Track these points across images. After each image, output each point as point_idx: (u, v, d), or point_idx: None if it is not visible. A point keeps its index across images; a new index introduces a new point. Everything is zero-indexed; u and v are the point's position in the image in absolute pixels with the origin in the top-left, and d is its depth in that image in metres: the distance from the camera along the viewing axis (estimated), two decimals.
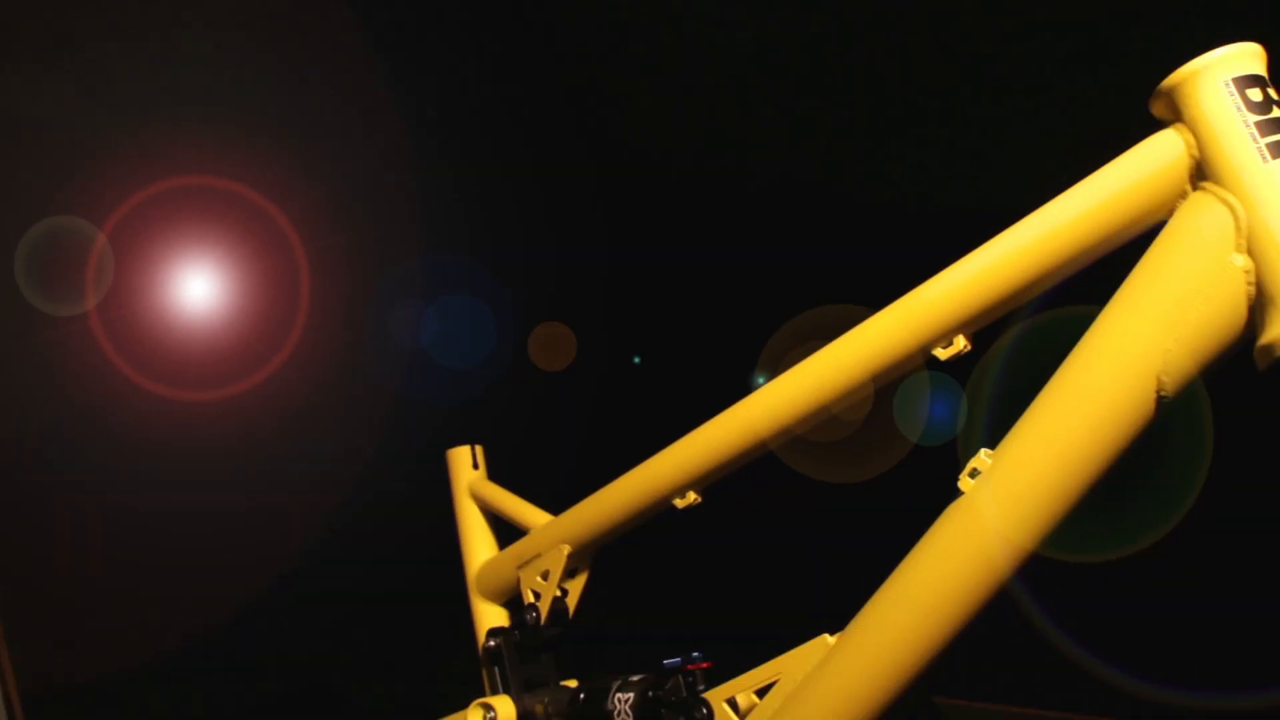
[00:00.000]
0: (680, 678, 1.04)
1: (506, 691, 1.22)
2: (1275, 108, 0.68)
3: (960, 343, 0.83)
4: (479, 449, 1.38)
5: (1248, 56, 0.70)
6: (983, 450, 0.80)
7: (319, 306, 4.14)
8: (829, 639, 0.90)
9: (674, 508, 1.06)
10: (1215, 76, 0.69)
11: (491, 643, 1.23)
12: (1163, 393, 0.70)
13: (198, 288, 3.88)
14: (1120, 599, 2.79)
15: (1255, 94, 0.68)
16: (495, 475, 1.41)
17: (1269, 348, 0.64)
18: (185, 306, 3.88)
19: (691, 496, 1.04)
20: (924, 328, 0.83)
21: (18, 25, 2.93)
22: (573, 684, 1.21)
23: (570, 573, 1.20)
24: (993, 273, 0.79)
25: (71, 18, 3.01)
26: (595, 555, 1.19)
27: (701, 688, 1.03)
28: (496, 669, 1.24)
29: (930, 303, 0.83)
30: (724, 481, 1.08)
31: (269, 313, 4.05)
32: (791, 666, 0.93)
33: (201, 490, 3.84)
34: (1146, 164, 0.73)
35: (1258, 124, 0.67)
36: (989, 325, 0.84)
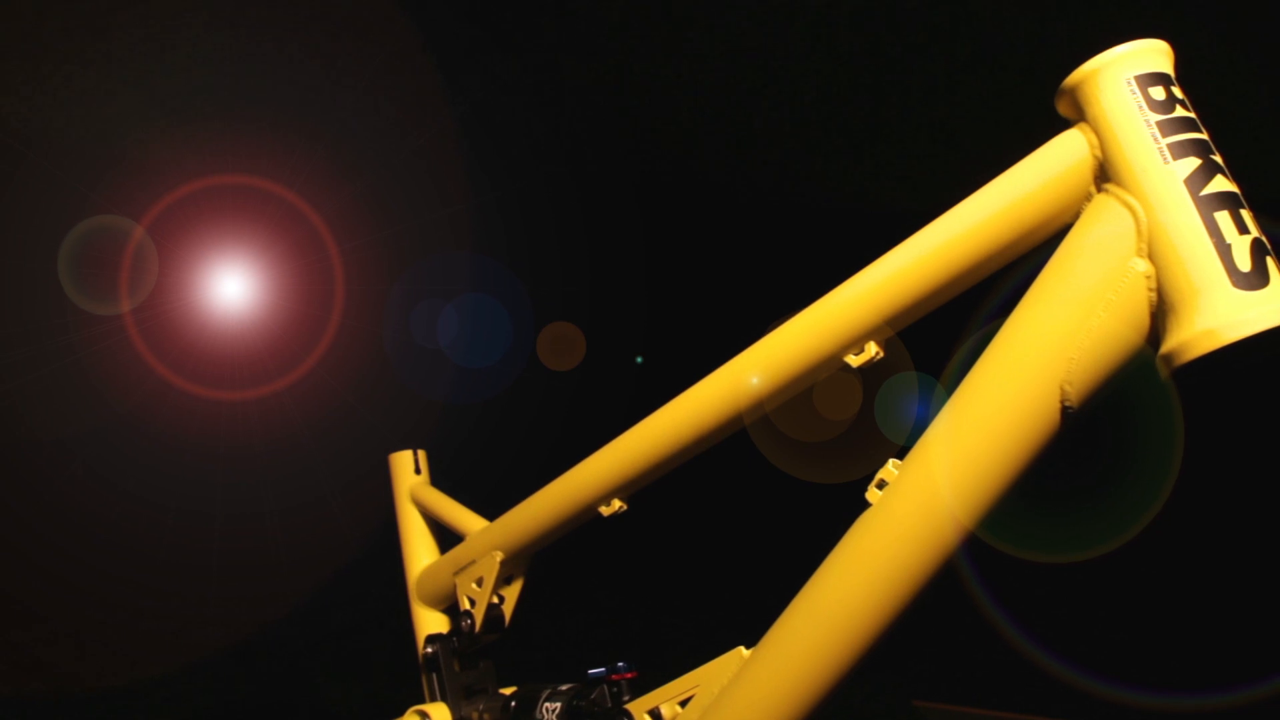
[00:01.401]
0: (605, 688, 1.01)
1: (444, 698, 1.19)
2: (1179, 107, 0.64)
3: (872, 350, 0.80)
4: (421, 453, 1.35)
5: (1152, 54, 0.66)
6: (890, 461, 0.76)
7: (354, 307, 4.09)
8: (744, 651, 0.86)
9: (600, 515, 1.02)
10: (1117, 74, 0.65)
11: (429, 649, 1.20)
12: (1068, 404, 0.66)
13: (232, 287, 3.84)
14: (1090, 603, 2.74)
15: (1158, 92, 0.64)
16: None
17: (1169, 357, 0.60)
18: (219, 306, 3.84)
19: (616, 504, 1.01)
20: (833, 335, 0.79)
21: (51, 25, 2.90)
22: (510, 691, 1.18)
23: (506, 579, 1.17)
24: (899, 279, 0.76)
25: (103, 18, 2.97)
26: (530, 562, 1.16)
27: (626, 698, 1.00)
28: (434, 676, 1.21)
29: (838, 310, 0.79)
30: (659, 487, 1.05)
31: (304, 313, 4.01)
32: (708, 679, 0.89)
33: (233, 490, 3.79)
34: (1051, 165, 0.69)
35: (1159, 123, 0.63)
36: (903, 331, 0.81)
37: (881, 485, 0.75)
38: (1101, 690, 2.37)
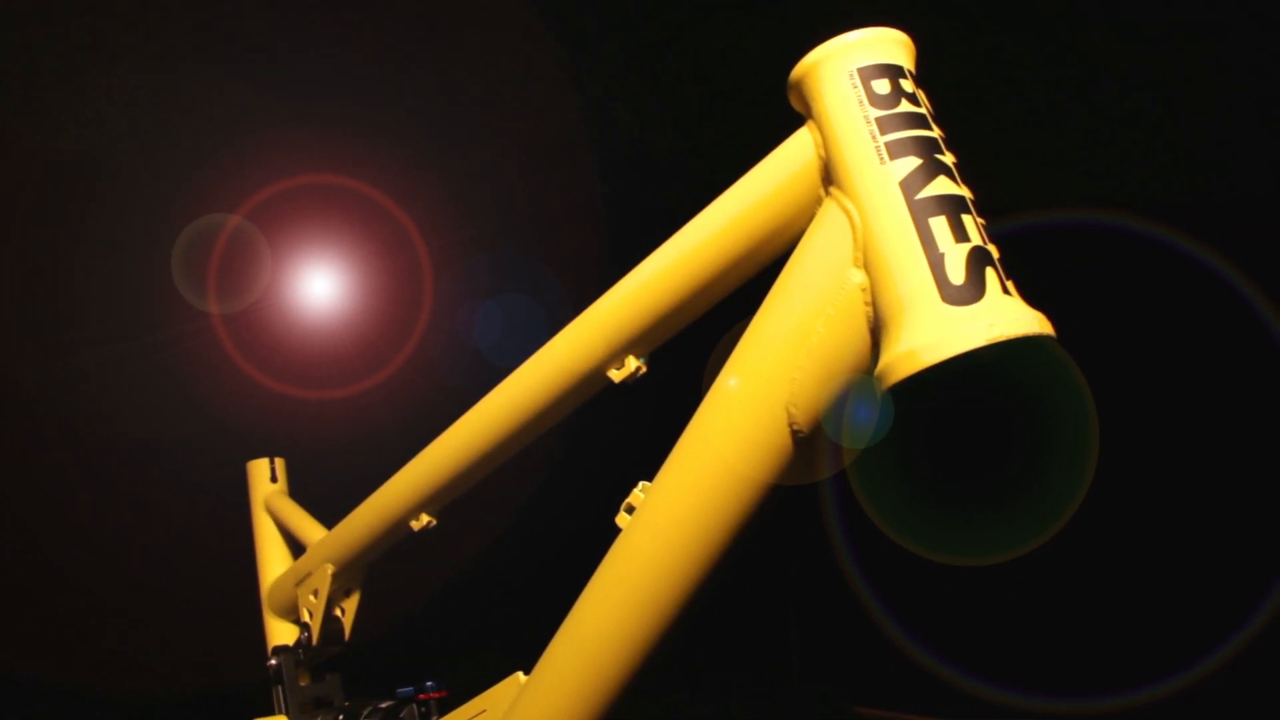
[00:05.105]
0: (414, 707, 0.94)
1: (285, 711, 1.12)
2: (906, 101, 0.55)
3: (632, 364, 0.71)
4: (279, 461, 1.27)
5: (882, 44, 0.56)
6: (640, 484, 0.68)
7: (442, 306, 3.96)
8: (521, 677, 0.79)
9: (411, 531, 0.95)
10: (839, 65, 0.56)
11: (273, 661, 1.13)
12: (795, 426, 0.58)
13: (320, 286, 3.72)
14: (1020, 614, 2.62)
15: (882, 86, 0.55)
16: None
17: (879, 378, 0.51)
18: (308, 305, 3.73)
19: (425, 519, 0.93)
20: (589, 350, 0.71)
21: (142, 25, 2.79)
22: (346, 706, 1.11)
23: (345, 592, 1.09)
24: (645, 293, 0.67)
25: (194, 19, 2.85)
26: (364, 575, 1.09)
27: (434, 718, 0.93)
28: (279, 687, 1.14)
29: (593, 325, 0.71)
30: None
31: (392, 312, 3.88)
32: (492, 704, 0.82)
33: (318, 489, 3.63)
34: (782, 168, 0.60)
35: (879, 120, 0.54)
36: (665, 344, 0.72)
37: (630, 510, 0.67)
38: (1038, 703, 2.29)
